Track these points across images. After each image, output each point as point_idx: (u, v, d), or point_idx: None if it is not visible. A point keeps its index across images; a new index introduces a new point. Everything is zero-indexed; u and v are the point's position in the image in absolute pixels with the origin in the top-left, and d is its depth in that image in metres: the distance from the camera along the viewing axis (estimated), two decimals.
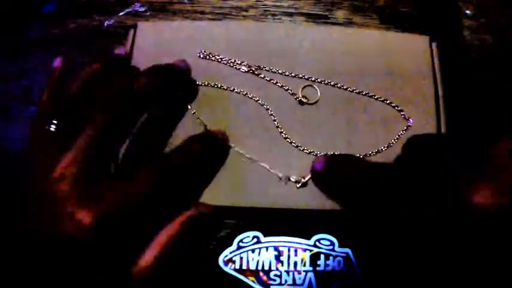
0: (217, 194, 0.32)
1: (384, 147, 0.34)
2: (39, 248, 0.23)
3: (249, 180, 0.33)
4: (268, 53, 0.36)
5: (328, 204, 0.32)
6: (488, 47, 0.41)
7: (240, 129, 0.34)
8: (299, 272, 0.32)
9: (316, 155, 0.34)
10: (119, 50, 0.32)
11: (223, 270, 0.32)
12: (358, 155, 0.34)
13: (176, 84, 0.32)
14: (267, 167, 0.33)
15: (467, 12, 0.42)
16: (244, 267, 0.32)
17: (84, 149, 0.25)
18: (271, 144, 0.34)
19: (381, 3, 0.42)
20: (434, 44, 0.37)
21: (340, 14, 0.42)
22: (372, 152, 0.34)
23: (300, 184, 0.33)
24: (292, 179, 0.33)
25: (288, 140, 0.34)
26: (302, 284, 0.32)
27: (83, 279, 0.23)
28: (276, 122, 0.34)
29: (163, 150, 0.32)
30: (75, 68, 0.30)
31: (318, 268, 0.32)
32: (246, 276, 0.32)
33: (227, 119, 0.35)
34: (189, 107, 0.35)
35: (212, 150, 0.31)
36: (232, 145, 0.34)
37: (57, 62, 0.29)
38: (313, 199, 0.33)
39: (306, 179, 0.33)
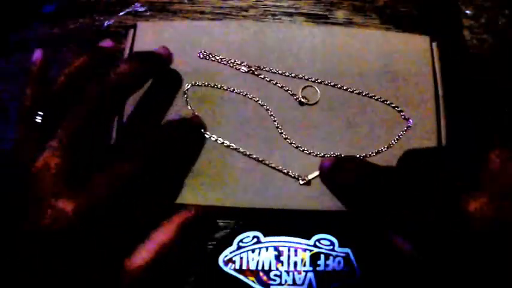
0: (217, 194, 0.32)
1: (384, 147, 0.34)
2: (25, 240, 0.23)
3: (249, 181, 0.33)
4: (268, 53, 0.36)
5: (328, 204, 0.32)
6: (488, 47, 0.41)
7: (240, 129, 0.34)
8: (299, 272, 0.32)
9: (316, 155, 0.34)
10: (105, 43, 0.31)
11: (223, 270, 0.32)
12: (358, 156, 0.34)
13: (157, 70, 0.32)
14: (284, 171, 0.33)
15: (467, 12, 0.42)
16: (244, 267, 0.32)
17: (66, 139, 0.25)
18: (271, 145, 0.34)
19: (380, 3, 0.42)
20: (434, 44, 0.37)
21: (340, 14, 0.42)
22: (372, 153, 0.34)
23: (303, 182, 0.33)
24: (302, 180, 0.33)
25: (288, 140, 0.34)
26: (302, 284, 0.32)
27: (70, 271, 0.23)
28: (276, 123, 0.34)
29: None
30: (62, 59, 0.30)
31: (318, 268, 0.32)
32: (246, 276, 0.32)
33: (227, 119, 0.35)
34: (189, 107, 0.35)
35: (187, 134, 0.31)
36: (233, 145, 0.34)
37: (38, 54, 0.29)
38: (314, 200, 0.33)
39: (310, 177, 0.33)
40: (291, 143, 0.34)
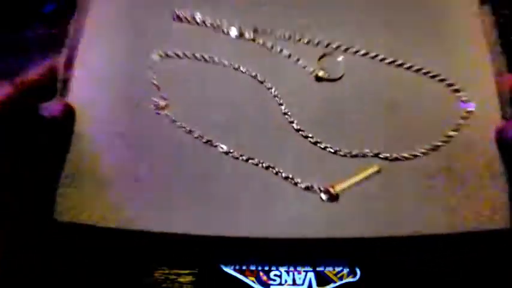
0: (204, 220, 0.25)
1: (440, 141, 0.24)
2: None
3: (247, 198, 0.24)
4: (268, 10, 0.26)
5: (365, 229, 0.24)
6: None
7: (233, 120, 0.25)
8: (299, 272, 0.32)
9: (344, 155, 0.24)
10: None
11: (223, 270, 0.32)
12: (405, 156, 0.24)
13: None
14: (297, 180, 0.24)
15: None
16: (244, 267, 0.32)
17: None
18: (277, 141, 0.25)
19: None
20: (486, 7, 0.28)
21: None
22: (425, 149, 0.24)
23: (326, 197, 0.23)
24: (324, 194, 0.23)
25: (301, 133, 0.25)
26: (302, 284, 0.32)
27: None
28: (282, 107, 0.25)
29: None
30: None
31: (318, 268, 0.32)
32: (246, 276, 0.32)
33: (211, 103, 0.25)
34: (156, 86, 0.26)
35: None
36: (219, 143, 0.25)
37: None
38: (344, 223, 0.24)
39: (337, 189, 0.23)
40: (306, 137, 0.25)
